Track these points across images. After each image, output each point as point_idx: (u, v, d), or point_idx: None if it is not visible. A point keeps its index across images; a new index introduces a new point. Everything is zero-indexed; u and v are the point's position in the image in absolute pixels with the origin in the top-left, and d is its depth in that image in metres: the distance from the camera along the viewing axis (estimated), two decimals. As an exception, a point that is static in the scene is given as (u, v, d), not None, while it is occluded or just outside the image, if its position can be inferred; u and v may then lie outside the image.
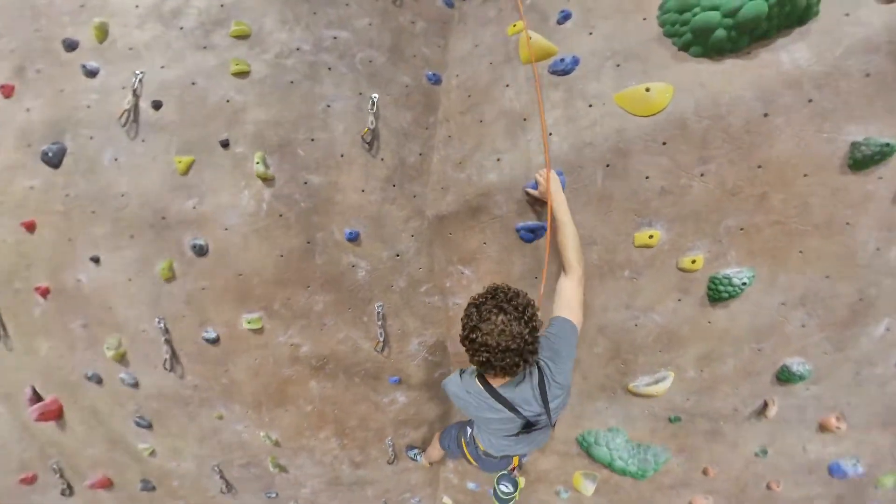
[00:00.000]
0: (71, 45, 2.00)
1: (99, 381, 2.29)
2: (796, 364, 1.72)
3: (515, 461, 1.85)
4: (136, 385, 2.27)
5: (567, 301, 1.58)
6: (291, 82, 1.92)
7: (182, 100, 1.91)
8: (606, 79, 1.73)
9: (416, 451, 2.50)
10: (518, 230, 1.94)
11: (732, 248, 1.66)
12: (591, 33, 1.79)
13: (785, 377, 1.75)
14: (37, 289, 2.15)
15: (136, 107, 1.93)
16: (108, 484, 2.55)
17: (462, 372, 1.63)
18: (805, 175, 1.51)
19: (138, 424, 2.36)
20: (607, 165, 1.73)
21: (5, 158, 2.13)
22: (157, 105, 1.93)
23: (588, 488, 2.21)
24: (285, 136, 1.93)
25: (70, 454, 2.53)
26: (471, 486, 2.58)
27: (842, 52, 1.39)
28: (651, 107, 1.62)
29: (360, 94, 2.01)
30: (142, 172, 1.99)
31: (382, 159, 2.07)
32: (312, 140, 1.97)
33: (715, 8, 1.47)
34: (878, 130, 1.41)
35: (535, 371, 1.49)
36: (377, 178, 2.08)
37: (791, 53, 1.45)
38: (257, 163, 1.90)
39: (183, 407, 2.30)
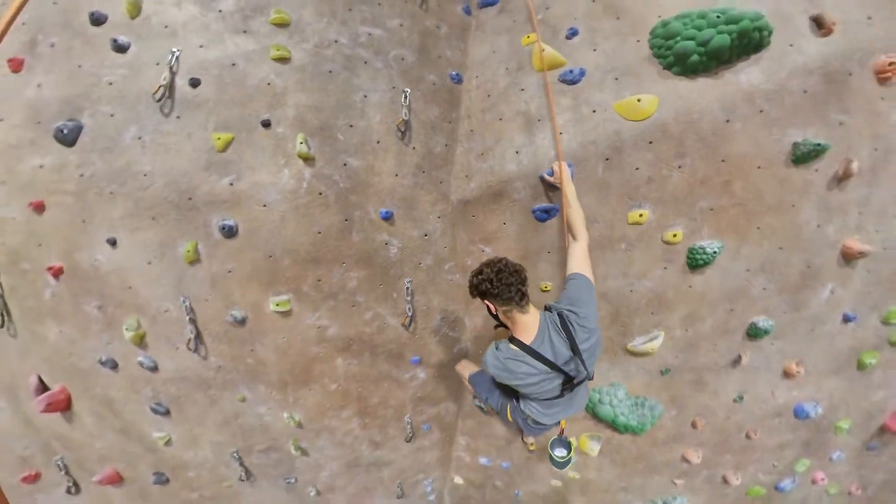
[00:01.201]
0: (99, 19, 2.00)
1: (114, 366, 2.25)
2: (762, 321, 2.18)
3: (563, 424, 1.98)
4: (154, 369, 2.26)
5: (578, 261, 1.85)
6: (330, 72, 2.10)
7: (221, 79, 2.00)
8: (607, 90, 2.11)
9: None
10: (534, 211, 2.27)
11: (705, 225, 2.11)
12: (595, 49, 2.15)
13: (753, 333, 2.21)
14: (49, 269, 2.10)
15: (171, 83, 1.99)
16: (117, 479, 2.48)
17: (495, 347, 1.75)
18: (758, 167, 1.99)
19: (155, 411, 2.34)
20: (606, 159, 2.11)
21: (12, 136, 2.07)
22: (194, 83, 2.00)
23: (594, 449, 2.53)
24: (325, 121, 2.10)
25: (77, 448, 2.45)
26: (483, 461, 2.81)
27: (786, 74, 1.88)
28: (641, 113, 2.03)
29: (394, 87, 2.23)
30: (171, 151, 2.02)
31: (414, 148, 2.32)
32: (351, 126, 2.15)
33: (692, 39, 1.90)
34: (812, 134, 1.91)
35: (558, 319, 1.68)
36: (409, 164, 2.31)
37: (748, 75, 1.92)
38: (301, 143, 2.02)
39: (204, 390, 2.33)
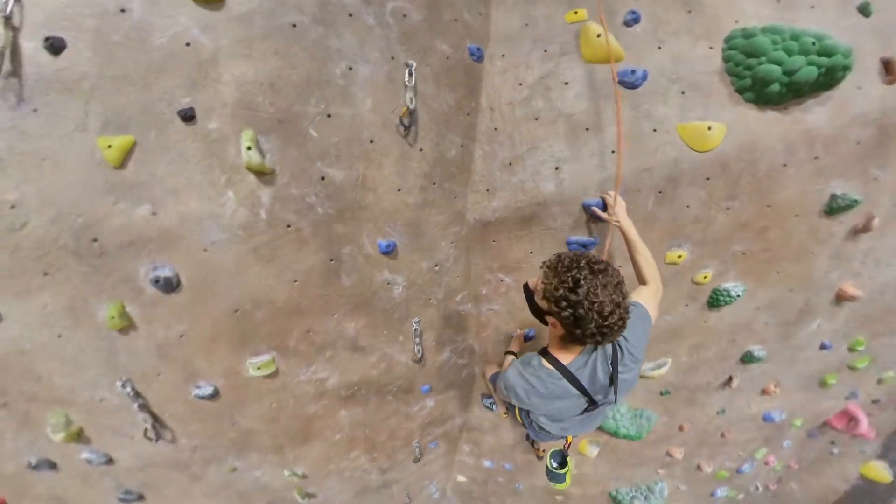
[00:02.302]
0: None
1: (52, 466, 1.74)
2: (756, 350, 2.37)
3: (569, 439, 1.85)
4: (109, 461, 1.78)
5: (644, 297, 1.57)
6: (294, 26, 1.41)
7: (103, 38, 1.26)
8: (672, 105, 1.82)
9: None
10: (569, 243, 2.00)
11: (733, 268, 2.10)
12: (660, 48, 1.82)
13: (747, 359, 2.40)
14: None
15: (14, 48, 1.19)
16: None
17: (524, 363, 1.49)
18: (796, 215, 1.97)
19: (125, 501, 1.90)
20: (660, 192, 1.90)
21: None
22: (55, 46, 1.22)
23: (592, 452, 2.73)
24: (287, 108, 1.47)
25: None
26: (487, 464, 2.86)
27: (848, 121, 1.80)
28: (707, 144, 1.81)
29: (393, 58, 1.62)
30: (44, 166, 1.32)
31: (421, 150, 1.79)
32: (329, 116, 1.55)
33: (778, 63, 1.67)
34: (851, 187, 1.92)
35: (609, 346, 1.41)
36: (416, 173, 1.80)
37: (815, 115, 1.80)
38: (248, 147, 1.40)
39: (182, 470, 1.89)
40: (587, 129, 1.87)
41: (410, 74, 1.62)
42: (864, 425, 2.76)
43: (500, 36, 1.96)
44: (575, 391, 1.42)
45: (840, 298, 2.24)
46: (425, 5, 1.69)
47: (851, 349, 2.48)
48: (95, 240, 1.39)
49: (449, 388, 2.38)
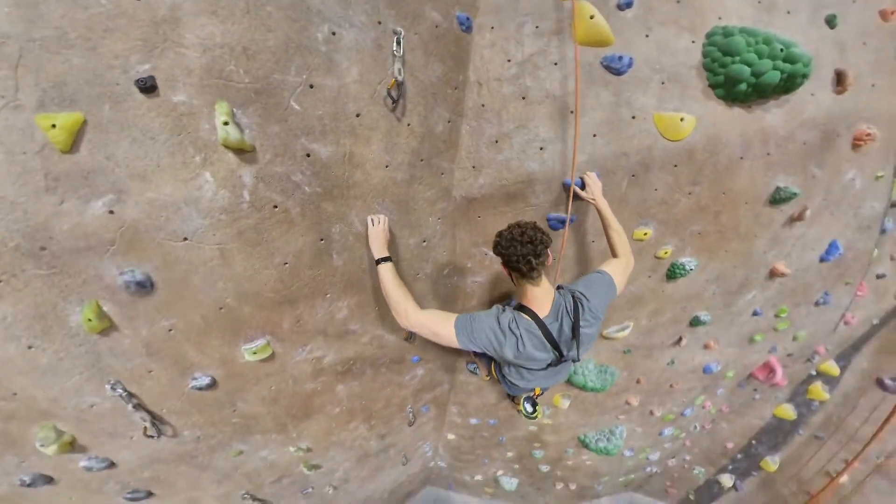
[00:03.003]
0: None
1: (49, 480, 1.69)
2: (703, 315, 2.77)
3: (537, 390, 2.08)
4: (111, 466, 1.77)
5: (613, 267, 1.78)
6: None
7: None
8: (651, 94, 1.97)
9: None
10: (549, 219, 2.18)
11: (690, 245, 2.39)
12: (647, 35, 1.91)
13: (695, 323, 2.81)
14: None
15: None
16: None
17: (502, 308, 1.66)
18: (746, 203, 2.25)
19: (133, 500, 1.92)
20: (633, 175, 2.09)
21: None
22: None
23: (564, 404, 3.16)
24: (265, 77, 1.35)
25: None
26: (473, 421, 3.26)
27: (798, 124, 2.04)
28: (678, 134, 2.00)
29: (380, 23, 1.54)
30: None
31: (409, 125, 1.78)
32: (312, 87, 1.45)
33: (748, 64, 1.84)
34: (793, 182, 2.22)
35: (571, 301, 1.62)
36: (404, 149, 1.80)
37: (773, 116, 2.02)
38: (224, 122, 1.28)
39: (188, 461, 1.95)
40: (571, 112, 1.95)
41: (399, 43, 1.55)
42: (780, 375, 3.35)
43: (490, 6, 1.93)
44: (545, 342, 1.60)
45: (773, 274, 2.63)
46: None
47: (777, 315, 2.95)
48: (44, 248, 1.26)
49: (437, 357, 2.59)
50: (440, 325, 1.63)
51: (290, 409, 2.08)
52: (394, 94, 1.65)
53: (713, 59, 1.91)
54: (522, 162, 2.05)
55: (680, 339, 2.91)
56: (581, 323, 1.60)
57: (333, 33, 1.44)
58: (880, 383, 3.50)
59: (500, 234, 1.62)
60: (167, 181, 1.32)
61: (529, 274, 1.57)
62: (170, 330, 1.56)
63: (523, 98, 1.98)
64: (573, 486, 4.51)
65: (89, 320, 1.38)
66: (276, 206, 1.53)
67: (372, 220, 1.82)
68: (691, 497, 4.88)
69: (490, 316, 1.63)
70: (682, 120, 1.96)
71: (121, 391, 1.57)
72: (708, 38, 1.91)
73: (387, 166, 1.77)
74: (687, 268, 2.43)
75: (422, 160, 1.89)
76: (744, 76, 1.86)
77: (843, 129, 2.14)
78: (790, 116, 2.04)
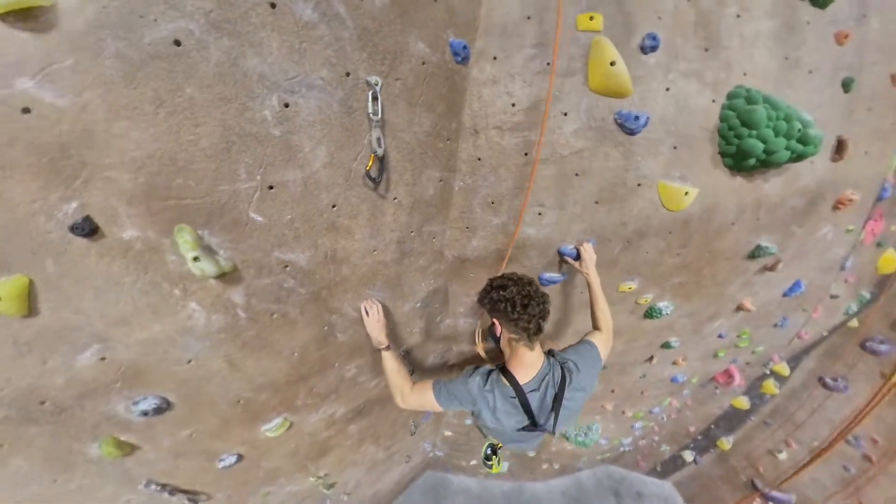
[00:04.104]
0: None
1: None
2: (674, 341, 3.04)
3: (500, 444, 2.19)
4: None
5: (598, 340, 1.77)
6: (178, 43, 0.97)
7: None
8: (661, 160, 1.86)
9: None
10: (541, 278, 2.20)
11: (669, 293, 2.52)
12: (668, 89, 1.74)
13: (665, 346, 3.09)
14: None
15: None
16: None
17: (486, 375, 1.59)
18: (727, 259, 2.36)
19: None
20: (627, 242, 2.12)
21: None
22: None
23: None
24: (210, 190, 1.13)
25: None
26: (468, 421, 3.62)
27: (793, 191, 2.08)
28: (679, 205, 1.99)
29: (349, 74, 1.24)
30: None
31: (396, 199, 1.61)
32: (272, 189, 1.22)
33: (763, 141, 1.80)
34: (774, 240, 2.32)
35: (560, 371, 1.56)
36: (392, 227, 1.67)
37: (771, 185, 2.04)
38: (194, 258, 1.14)
39: None
40: (576, 175, 1.84)
41: (375, 98, 1.24)
42: (738, 380, 3.81)
43: (493, 27, 1.58)
44: (522, 412, 1.53)
45: (739, 308, 2.86)
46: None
47: (739, 335, 3.27)
48: (43, 402, 1.21)
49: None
50: (425, 399, 1.64)
51: (308, 454, 2.31)
52: (374, 173, 1.42)
53: (730, 127, 1.83)
54: (521, 228, 2.01)
55: (651, 357, 3.20)
56: (566, 394, 1.54)
57: (286, 105, 1.14)
58: (823, 382, 4.03)
59: (502, 289, 1.45)
60: (152, 320, 1.23)
61: (535, 336, 1.46)
62: (191, 435, 1.61)
63: (525, 154, 1.80)
64: (556, 466, 5.28)
65: (109, 451, 1.43)
66: (273, 315, 1.48)
67: (366, 309, 1.80)
68: (658, 468, 5.76)
69: (462, 382, 1.59)
70: (686, 194, 1.94)
71: (154, 486, 1.69)
72: (729, 100, 1.82)
73: (374, 251, 1.66)
74: (664, 312, 2.59)
75: (412, 232, 1.78)
76: (755, 152, 1.82)
77: (830, 193, 2.21)
78: (787, 185, 2.07)
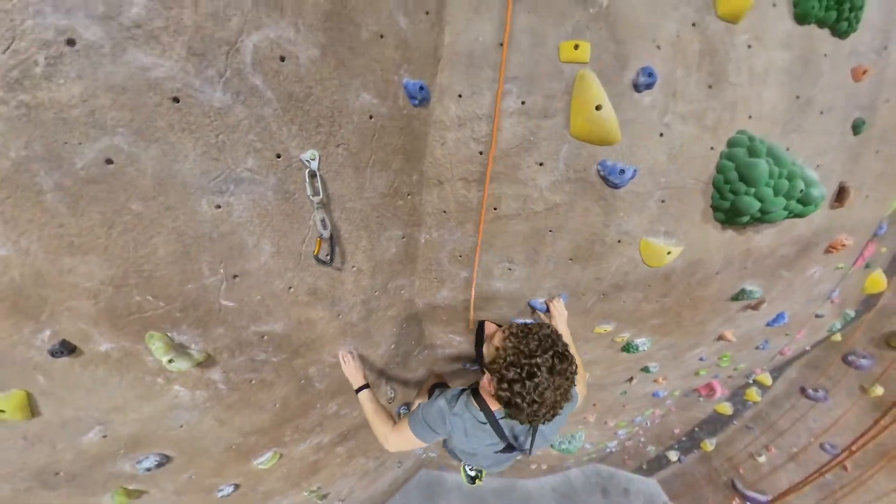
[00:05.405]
0: None
1: None
2: (652, 366, 3.08)
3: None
4: None
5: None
6: (108, 162, 0.94)
7: None
8: (646, 214, 1.70)
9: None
10: (511, 322, 2.15)
11: (646, 332, 2.49)
12: (662, 134, 1.55)
13: (645, 370, 3.13)
14: None
15: None
16: None
17: (454, 399, 1.49)
18: (710, 303, 2.29)
19: None
20: (603, 295, 2.04)
21: None
22: None
23: None
24: (178, 294, 1.21)
25: None
26: None
27: (786, 240, 1.99)
28: (660, 262, 1.89)
29: (279, 156, 1.14)
30: None
31: (354, 267, 1.58)
32: (236, 278, 1.28)
33: (761, 200, 1.65)
34: (759, 284, 2.26)
35: None
36: (353, 292, 1.67)
37: (763, 237, 1.94)
38: (168, 360, 1.28)
39: None
40: (550, 231, 1.71)
41: (314, 176, 1.17)
42: (719, 392, 3.95)
43: (458, 57, 1.34)
44: (495, 437, 1.43)
45: (720, 339, 2.85)
46: (322, 18, 1.04)
47: (720, 358, 3.32)
48: (58, 473, 1.45)
49: (417, 398, 2.91)
50: (405, 436, 1.55)
51: (300, 475, 2.55)
52: (322, 256, 1.40)
53: (727, 181, 1.67)
54: (489, 282, 1.94)
55: (632, 378, 3.25)
56: (540, 426, 1.42)
57: (218, 207, 1.10)
58: (803, 392, 4.14)
59: (526, 360, 1.13)
60: (143, 405, 1.43)
61: (515, 417, 1.20)
62: (191, 477, 1.88)
63: (494, 209, 1.67)
64: (545, 466, 5.53)
65: (120, 501, 1.72)
66: (252, 381, 1.65)
67: (343, 357, 1.85)
68: (644, 467, 6.10)
69: (431, 404, 1.50)
70: (668, 253, 1.83)
71: None
72: (729, 148, 1.64)
73: (339, 316, 1.70)
74: (641, 348, 2.58)
75: (377, 292, 1.77)
76: (751, 211, 1.68)
77: (825, 240, 2.12)
78: (779, 235, 1.97)
